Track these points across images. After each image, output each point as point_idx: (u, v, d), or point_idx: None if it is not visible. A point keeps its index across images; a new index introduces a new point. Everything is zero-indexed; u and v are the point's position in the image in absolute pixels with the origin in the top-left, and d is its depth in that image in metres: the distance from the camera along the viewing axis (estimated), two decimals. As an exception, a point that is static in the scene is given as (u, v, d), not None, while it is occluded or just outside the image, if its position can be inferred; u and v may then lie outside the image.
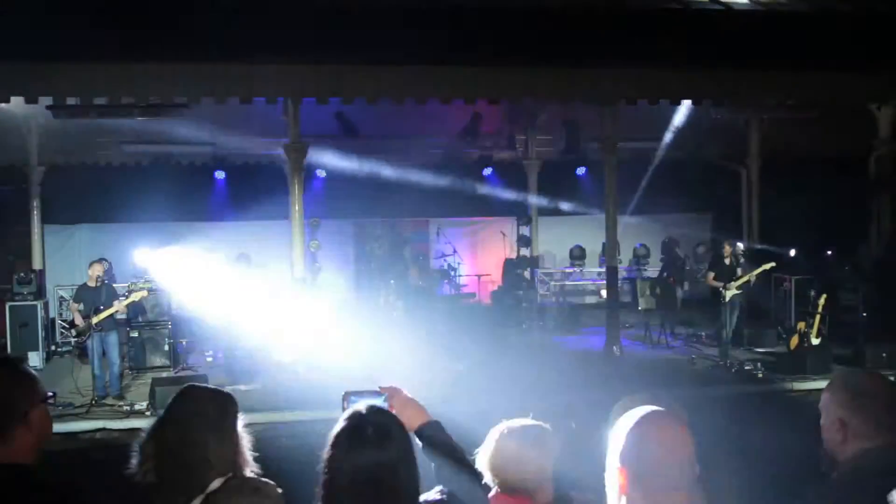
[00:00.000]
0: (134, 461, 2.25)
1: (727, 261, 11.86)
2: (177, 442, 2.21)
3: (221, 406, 2.33)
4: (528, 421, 2.85)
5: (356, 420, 2.05)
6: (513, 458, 2.69)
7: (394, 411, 2.23)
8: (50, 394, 2.36)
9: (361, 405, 2.12)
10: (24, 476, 2.17)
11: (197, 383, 2.53)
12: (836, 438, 2.41)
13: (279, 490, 2.17)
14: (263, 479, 2.22)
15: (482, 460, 2.71)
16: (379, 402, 2.24)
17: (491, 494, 2.67)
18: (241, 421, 2.37)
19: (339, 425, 2.06)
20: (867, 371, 2.64)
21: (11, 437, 2.18)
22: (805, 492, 2.40)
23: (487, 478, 2.70)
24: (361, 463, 1.98)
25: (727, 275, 11.78)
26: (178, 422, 2.26)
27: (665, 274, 14.76)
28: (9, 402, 2.19)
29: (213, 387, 2.50)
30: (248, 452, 2.34)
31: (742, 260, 12.10)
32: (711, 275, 11.91)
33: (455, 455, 2.28)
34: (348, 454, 1.99)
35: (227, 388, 8.54)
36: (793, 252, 14.12)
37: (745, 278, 11.72)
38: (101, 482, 2.47)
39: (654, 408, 2.05)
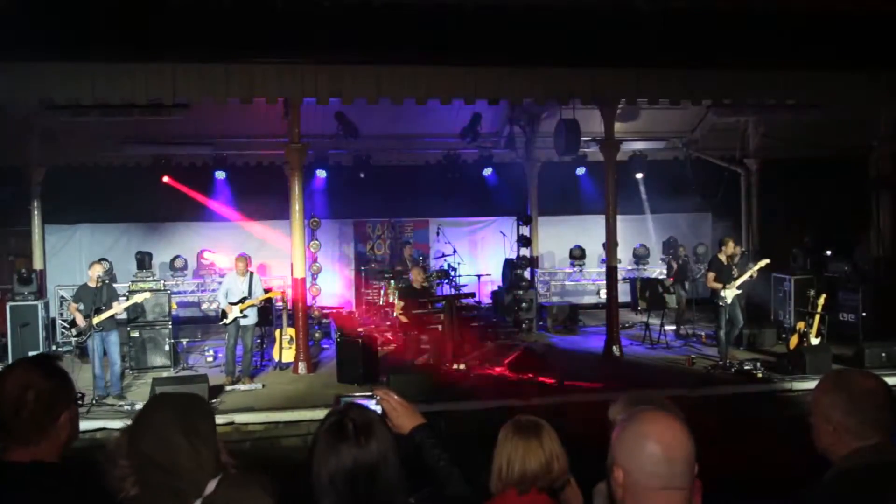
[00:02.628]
0: (110, 476, 2.13)
1: (725, 260, 11.84)
2: (159, 450, 2.12)
3: (197, 408, 2.27)
4: (530, 417, 2.88)
5: (337, 417, 2.07)
6: (519, 453, 2.73)
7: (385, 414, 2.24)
8: (79, 394, 2.39)
9: (346, 404, 2.13)
10: (52, 474, 2.21)
11: (165, 391, 2.50)
12: (829, 438, 2.41)
13: (268, 479, 2.17)
14: (254, 473, 2.20)
15: (498, 461, 2.74)
16: (370, 404, 2.24)
17: (502, 495, 2.70)
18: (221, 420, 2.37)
19: (322, 423, 2.07)
20: (861, 371, 2.63)
21: (46, 435, 2.22)
22: (800, 492, 2.40)
23: (500, 477, 2.73)
24: (342, 459, 1.99)
25: (728, 275, 11.77)
26: (156, 430, 2.16)
27: (667, 274, 14.78)
28: (49, 401, 2.23)
29: (181, 391, 2.47)
30: (224, 451, 2.26)
31: (740, 259, 12.07)
32: (712, 275, 11.89)
33: (446, 457, 2.28)
34: (329, 450, 2.01)
35: (228, 388, 8.59)
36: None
37: (744, 277, 11.74)
38: (101, 482, 2.49)
39: (654, 406, 2.05)
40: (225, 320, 10.98)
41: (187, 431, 2.16)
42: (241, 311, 10.92)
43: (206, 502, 2.08)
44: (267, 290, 11.81)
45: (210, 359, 12.43)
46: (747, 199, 16.66)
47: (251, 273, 11.24)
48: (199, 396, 2.42)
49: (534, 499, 2.73)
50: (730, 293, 11.68)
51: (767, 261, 12.14)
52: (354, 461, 1.98)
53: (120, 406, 9.83)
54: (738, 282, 11.70)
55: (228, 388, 10.61)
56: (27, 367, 2.29)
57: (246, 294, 10.99)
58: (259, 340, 12.27)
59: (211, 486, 2.11)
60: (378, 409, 2.25)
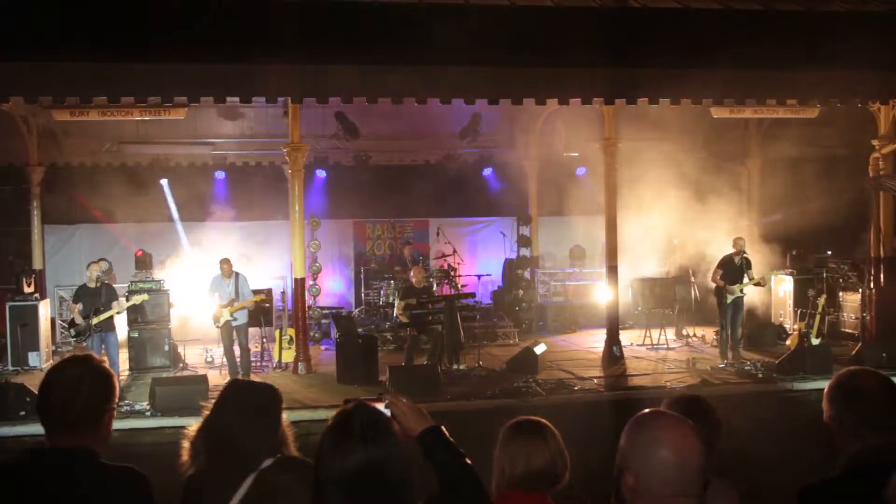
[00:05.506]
0: (184, 456, 2.52)
1: (736, 260, 11.84)
2: (227, 430, 2.44)
3: (266, 395, 2.58)
4: (532, 417, 2.89)
5: (344, 416, 2.06)
6: (523, 452, 2.73)
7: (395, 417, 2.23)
8: (119, 402, 2.55)
9: (355, 404, 2.13)
10: (97, 459, 2.37)
11: (238, 378, 2.77)
12: (836, 435, 2.41)
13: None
14: (305, 461, 2.34)
15: (500, 461, 2.75)
16: (379, 407, 2.23)
17: (505, 495, 2.69)
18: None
19: (330, 422, 2.07)
20: (866, 369, 2.63)
21: (91, 429, 2.38)
22: (804, 489, 2.40)
23: (503, 477, 2.73)
24: (349, 457, 1.97)
25: (735, 275, 11.76)
26: (227, 412, 2.49)
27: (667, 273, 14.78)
28: (100, 398, 2.41)
29: (254, 380, 2.79)
30: (291, 441, 2.57)
31: (748, 260, 12.06)
32: (720, 273, 11.89)
33: (457, 460, 2.27)
34: (335, 448, 2.00)
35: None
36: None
37: (752, 282, 11.75)
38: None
39: (665, 410, 2.04)
40: (217, 324, 10.98)
41: (253, 412, 2.48)
42: (231, 314, 10.91)
43: (259, 476, 2.32)
44: (255, 293, 11.70)
45: (210, 359, 12.42)
46: (747, 198, 16.64)
47: (236, 274, 11.19)
48: (271, 386, 2.66)
49: (540, 498, 2.74)
50: (733, 293, 11.68)
51: (783, 272, 12.17)
52: (361, 460, 1.97)
53: (119, 406, 9.81)
54: (746, 286, 11.71)
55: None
56: (83, 363, 2.42)
57: (233, 296, 10.97)
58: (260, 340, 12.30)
59: (266, 462, 2.37)
60: (387, 412, 2.24)
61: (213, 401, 2.58)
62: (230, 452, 2.41)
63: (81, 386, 2.35)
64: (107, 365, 2.51)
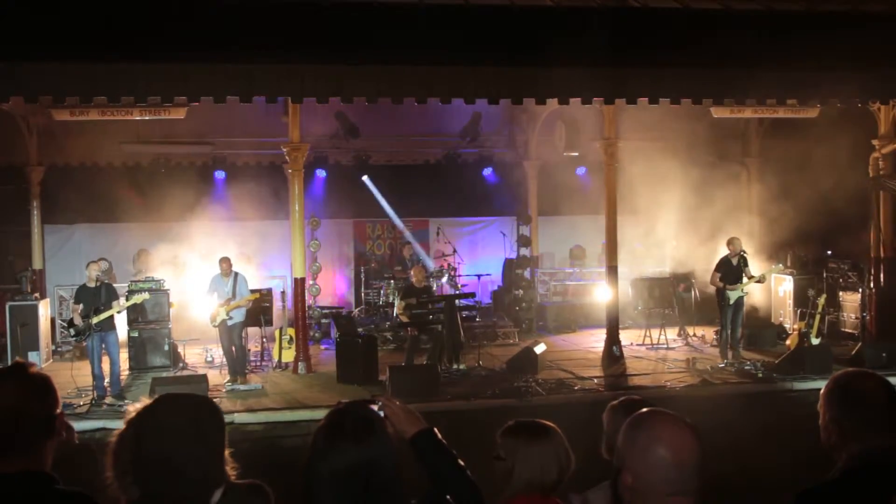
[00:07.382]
0: (108, 472, 2.06)
1: (734, 261, 11.83)
2: (166, 455, 2.00)
3: (209, 414, 2.12)
4: (537, 421, 2.89)
5: (335, 415, 2.07)
6: (544, 456, 2.74)
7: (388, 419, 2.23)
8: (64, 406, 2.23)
9: (346, 403, 2.13)
10: (48, 484, 2.11)
11: (176, 392, 2.28)
12: (831, 438, 2.40)
13: (267, 489, 2.16)
14: (255, 482, 2.18)
15: (511, 464, 2.75)
16: (373, 409, 2.24)
17: (520, 499, 2.70)
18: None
19: (321, 422, 2.07)
20: (863, 371, 2.63)
21: (37, 449, 2.14)
22: (801, 493, 2.40)
23: (520, 482, 2.73)
24: (340, 457, 1.97)
25: (734, 275, 11.76)
26: (165, 433, 2.03)
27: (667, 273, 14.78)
28: (49, 407, 2.15)
29: (193, 394, 2.29)
30: (231, 463, 2.15)
31: (746, 259, 12.05)
32: (718, 275, 11.88)
33: (450, 462, 2.27)
34: (327, 448, 1.99)
35: (227, 388, 8.62)
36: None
37: (750, 281, 11.74)
38: (102, 482, 2.47)
39: (663, 410, 2.04)
40: (213, 323, 11.00)
41: (197, 439, 2.03)
42: (227, 313, 10.92)
43: None
44: (253, 292, 11.72)
45: (209, 359, 12.42)
46: (747, 198, 16.64)
47: (235, 273, 11.23)
48: (211, 402, 2.24)
49: (555, 501, 2.77)
50: (733, 294, 11.67)
51: (781, 266, 12.14)
52: (353, 459, 1.97)
53: (119, 406, 9.81)
54: (746, 284, 11.70)
55: (228, 387, 10.61)
56: (15, 373, 2.17)
57: (230, 295, 10.99)
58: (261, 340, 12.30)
59: (216, 496, 2.01)
60: (381, 414, 2.24)
61: (140, 415, 2.10)
62: (171, 484, 1.98)
63: (25, 401, 2.09)
64: (38, 369, 2.20)
